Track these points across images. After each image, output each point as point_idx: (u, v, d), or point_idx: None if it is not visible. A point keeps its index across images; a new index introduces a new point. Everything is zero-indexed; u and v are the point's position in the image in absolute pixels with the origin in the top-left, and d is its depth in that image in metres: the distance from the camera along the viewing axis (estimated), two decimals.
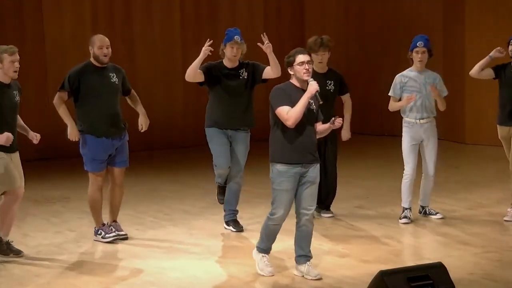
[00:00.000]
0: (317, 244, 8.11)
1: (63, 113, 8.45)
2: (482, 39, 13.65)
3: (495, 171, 11.58)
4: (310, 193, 7.03)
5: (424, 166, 9.15)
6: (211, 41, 8.47)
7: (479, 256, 7.68)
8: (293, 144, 6.94)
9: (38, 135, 8.10)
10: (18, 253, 8.03)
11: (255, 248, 7.32)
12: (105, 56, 8.39)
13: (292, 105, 6.89)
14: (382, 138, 15.60)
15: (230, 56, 8.67)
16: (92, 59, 8.45)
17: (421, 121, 9.03)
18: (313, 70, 8.94)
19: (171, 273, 7.42)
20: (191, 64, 8.62)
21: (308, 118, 6.97)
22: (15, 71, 7.78)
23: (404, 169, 9.08)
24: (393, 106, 9.14)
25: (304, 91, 6.95)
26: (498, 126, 9.13)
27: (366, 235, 8.64)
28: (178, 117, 15.22)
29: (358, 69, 16.18)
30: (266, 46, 8.34)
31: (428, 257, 7.59)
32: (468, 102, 14.45)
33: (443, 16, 14.94)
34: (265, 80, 8.77)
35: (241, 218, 9.02)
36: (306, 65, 6.97)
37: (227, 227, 8.97)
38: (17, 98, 7.93)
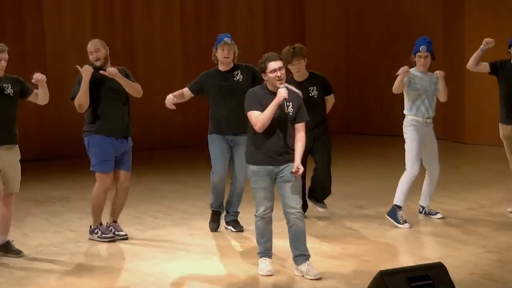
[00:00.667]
0: (317, 244, 8.11)
1: (80, 90, 8.31)
2: (482, 39, 13.59)
3: (495, 171, 11.58)
4: (292, 192, 7.06)
5: (429, 167, 9.14)
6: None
7: (479, 256, 7.68)
8: (264, 147, 7.04)
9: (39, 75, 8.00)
10: (18, 253, 8.03)
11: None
12: (97, 60, 8.42)
13: (262, 109, 6.98)
14: (382, 138, 15.60)
15: (222, 58, 8.70)
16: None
17: (428, 120, 9.02)
18: (293, 79, 8.98)
19: (171, 273, 7.42)
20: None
21: (281, 122, 7.02)
22: (1, 69, 7.77)
23: (408, 168, 8.96)
24: (394, 85, 9.02)
25: (275, 95, 7.00)
26: (499, 124, 9.15)
27: (366, 235, 8.63)
28: (178, 117, 15.22)
29: (358, 69, 16.19)
30: None
31: (428, 257, 7.59)
32: (468, 102, 14.46)
33: (443, 16, 14.94)
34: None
35: (241, 218, 9.02)
36: (278, 72, 7.01)
37: (227, 226, 8.98)
38: (9, 91, 7.85)
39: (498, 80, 9.15)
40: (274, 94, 7.03)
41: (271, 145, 7.04)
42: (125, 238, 8.61)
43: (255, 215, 7.19)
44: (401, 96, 9.16)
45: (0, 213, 7.97)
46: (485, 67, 9.11)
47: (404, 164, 9.01)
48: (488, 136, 13.50)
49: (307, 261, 7.13)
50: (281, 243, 7.47)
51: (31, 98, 8.14)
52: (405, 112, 9.07)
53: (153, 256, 8.02)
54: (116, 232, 8.60)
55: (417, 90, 8.94)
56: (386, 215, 8.95)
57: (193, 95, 8.91)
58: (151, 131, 14.83)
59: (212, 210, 9.00)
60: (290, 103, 7.03)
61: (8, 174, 7.88)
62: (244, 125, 8.61)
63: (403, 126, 9.04)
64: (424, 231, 8.89)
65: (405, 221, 8.89)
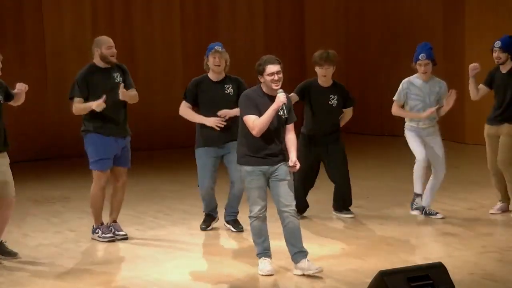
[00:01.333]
0: (317, 244, 8.11)
1: (84, 106, 8.34)
2: (482, 39, 13.64)
3: None
4: (284, 191, 7.09)
5: (435, 169, 9.17)
6: None
7: (479, 256, 7.68)
8: (259, 150, 7.08)
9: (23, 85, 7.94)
10: (13, 255, 7.98)
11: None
12: (113, 55, 8.44)
13: (259, 112, 7.00)
14: (382, 138, 15.59)
15: (213, 66, 8.69)
16: (95, 61, 8.44)
17: (423, 125, 9.05)
18: (317, 84, 9.05)
19: (171, 273, 7.42)
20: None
21: (275, 124, 7.07)
22: None
23: (416, 156, 9.09)
24: (398, 112, 9.16)
25: (271, 97, 7.06)
26: (485, 124, 9.21)
27: (366, 235, 8.64)
28: (178, 117, 15.15)
29: (358, 69, 16.19)
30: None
31: (428, 257, 7.58)
32: (468, 102, 14.37)
33: (443, 16, 14.94)
34: None
35: (240, 218, 9.01)
36: (276, 75, 7.03)
37: (226, 225, 8.98)
38: (0, 97, 7.79)
39: (493, 87, 9.21)
40: (270, 97, 7.06)
41: (266, 147, 7.07)
42: (125, 237, 8.60)
43: (249, 216, 7.21)
44: None
45: None
46: (484, 90, 9.22)
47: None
48: None
49: (306, 257, 7.13)
50: (277, 243, 7.45)
51: (11, 102, 8.06)
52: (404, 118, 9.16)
53: (153, 256, 8.02)
54: (116, 232, 8.60)
55: (414, 102, 8.98)
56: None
57: (191, 106, 8.88)
58: (151, 131, 14.82)
59: (205, 214, 9.06)
60: (283, 105, 7.06)
61: (3, 180, 7.80)
62: (233, 134, 8.66)
63: (404, 128, 9.13)
64: (424, 231, 8.89)
65: (416, 209, 9.11)
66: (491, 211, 9.25)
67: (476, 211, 9.54)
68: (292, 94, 8.67)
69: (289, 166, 7.11)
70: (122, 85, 8.41)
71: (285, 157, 7.15)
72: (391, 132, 14.87)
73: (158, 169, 13.15)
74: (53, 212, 10.17)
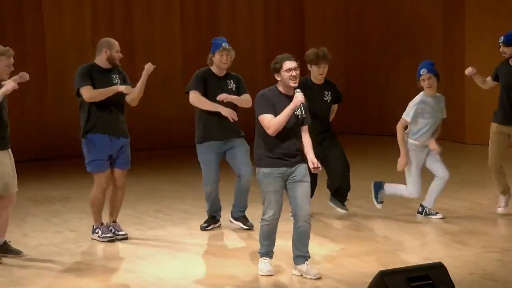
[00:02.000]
0: (317, 244, 8.11)
1: (105, 90, 8.34)
2: (482, 39, 13.66)
3: None
4: (302, 193, 7.05)
5: (435, 172, 9.16)
6: None
7: (479, 256, 7.68)
8: (276, 150, 7.01)
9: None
10: (19, 251, 8.02)
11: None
12: (120, 59, 8.52)
13: (275, 112, 6.96)
14: (382, 138, 15.58)
15: (220, 63, 8.68)
16: (97, 61, 8.45)
17: (426, 142, 9.06)
18: (312, 82, 9.07)
19: (171, 273, 7.42)
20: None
21: (292, 124, 7.03)
22: (7, 74, 7.74)
23: (409, 187, 9.14)
24: (399, 133, 9.07)
25: (288, 97, 7.01)
26: (494, 124, 9.18)
27: (366, 235, 8.64)
28: (178, 117, 15.21)
29: (358, 69, 16.19)
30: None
31: (428, 257, 7.58)
32: (468, 102, 14.46)
33: (443, 16, 14.94)
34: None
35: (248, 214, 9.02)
36: (293, 71, 6.99)
37: (234, 222, 8.94)
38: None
39: (499, 82, 9.20)
40: (287, 97, 7.01)
41: (284, 148, 7.01)
42: (125, 237, 8.60)
43: (262, 218, 7.15)
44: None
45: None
46: (491, 83, 9.22)
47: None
48: (488, 136, 13.49)
49: (307, 261, 7.14)
50: (280, 243, 7.45)
51: None
52: (409, 134, 9.08)
53: (153, 256, 8.02)
54: (116, 232, 8.60)
55: (426, 119, 8.99)
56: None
57: (201, 93, 8.74)
58: (151, 131, 14.83)
59: (209, 215, 9.01)
60: (302, 109, 7.06)
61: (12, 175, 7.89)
62: (236, 130, 8.64)
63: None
64: (424, 231, 8.89)
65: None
66: (499, 210, 9.18)
67: (476, 211, 9.54)
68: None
69: (313, 168, 7.03)
70: (129, 86, 8.43)
71: (302, 158, 7.10)
72: (391, 132, 14.78)
73: (158, 169, 13.15)
74: (53, 212, 10.17)
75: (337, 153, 9.22)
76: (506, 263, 7.45)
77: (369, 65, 16.07)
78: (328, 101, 9.19)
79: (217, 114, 8.66)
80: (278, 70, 7.03)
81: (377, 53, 16.01)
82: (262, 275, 7.18)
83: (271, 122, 6.94)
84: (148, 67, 8.54)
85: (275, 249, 7.35)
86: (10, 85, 7.54)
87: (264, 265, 7.21)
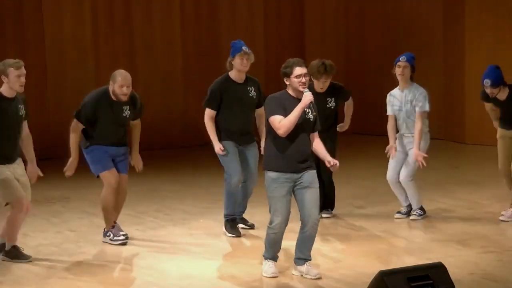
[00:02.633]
0: (318, 244, 8.09)
1: (72, 143, 8.44)
2: (482, 39, 13.65)
3: (495, 171, 11.53)
4: (310, 198, 7.02)
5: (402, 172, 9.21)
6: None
7: (479, 256, 7.68)
8: (286, 153, 6.98)
9: (37, 173, 8.09)
10: (28, 256, 7.99)
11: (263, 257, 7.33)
12: (124, 95, 8.29)
13: (286, 114, 6.94)
14: (382, 138, 15.48)
15: (240, 67, 8.54)
16: (110, 92, 8.35)
17: (405, 135, 9.13)
18: (313, 89, 9.02)
19: (172, 273, 7.42)
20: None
21: (303, 127, 7.01)
22: (21, 85, 7.72)
23: None
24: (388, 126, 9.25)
25: (299, 100, 6.99)
26: (498, 128, 9.17)
27: (366, 235, 8.64)
28: (178, 117, 15.20)
29: (357, 69, 16.17)
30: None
31: (428, 257, 7.58)
32: (468, 102, 14.44)
33: (443, 16, 14.92)
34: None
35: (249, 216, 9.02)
36: (303, 78, 7.01)
37: (236, 225, 8.90)
38: (22, 112, 7.86)
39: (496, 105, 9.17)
40: (297, 99, 7.01)
41: (294, 151, 6.99)
42: (125, 238, 8.58)
43: (269, 226, 7.11)
44: None
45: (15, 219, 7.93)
46: (490, 107, 9.17)
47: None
48: (488, 136, 13.46)
49: (307, 262, 7.14)
50: (282, 243, 7.44)
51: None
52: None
53: (153, 256, 8.02)
54: (127, 235, 8.57)
55: (395, 112, 9.15)
56: None
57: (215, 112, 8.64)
58: (151, 131, 14.79)
59: (228, 220, 8.76)
60: (309, 110, 7.05)
61: (23, 184, 7.90)
62: (252, 137, 8.62)
63: None
64: (424, 231, 8.89)
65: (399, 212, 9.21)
66: (502, 218, 9.09)
67: (476, 211, 9.54)
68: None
69: (330, 166, 7.01)
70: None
71: (311, 164, 7.08)
72: None
73: (158, 169, 13.13)
74: (53, 212, 10.17)
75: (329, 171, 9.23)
76: (506, 263, 7.45)
77: (369, 65, 16.06)
78: (332, 107, 9.16)
79: (240, 120, 8.55)
80: (288, 75, 7.02)
81: (377, 53, 15.99)
82: (266, 276, 7.17)
83: (281, 123, 6.92)
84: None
85: None
86: None
87: (269, 267, 7.20)
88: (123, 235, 8.56)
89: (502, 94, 8.89)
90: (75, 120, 8.41)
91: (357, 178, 11.60)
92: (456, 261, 7.45)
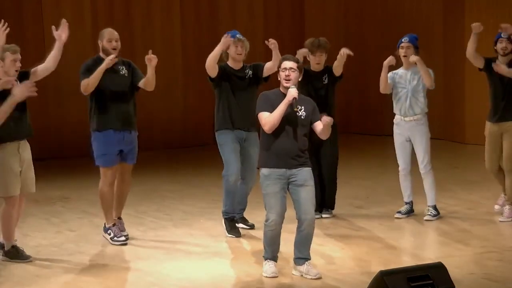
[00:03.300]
0: (318, 244, 8.11)
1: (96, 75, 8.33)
2: (482, 39, 13.60)
3: None
4: (305, 197, 7.02)
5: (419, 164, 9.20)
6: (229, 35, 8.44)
7: (479, 256, 7.69)
8: (276, 149, 7.02)
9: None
10: (28, 257, 7.98)
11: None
12: (114, 49, 8.41)
13: (273, 111, 6.97)
14: (382, 138, 15.58)
15: (235, 54, 8.62)
16: (101, 53, 8.45)
17: (406, 119, 9.10)
18: (310, 69, 9.14)
19: (172, 274, 7.42)
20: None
21: (292, 123, 7.02)
22: (16, 70, 7.77)
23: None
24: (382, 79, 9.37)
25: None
26: (486, 122, 9.19)
27: (366, 235, 8.63)
28: (178, 117, 15.22)
29: (357, 69, 16.16)
30: (271, 43, 8.35)
31: (428, 257, 7.59)
32: (468, 102, 14.45)
33: (443, 16, 14.94)
34: (267, 79, 8.76)
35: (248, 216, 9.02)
36: (287, 71, 7.02)
37: (235, 225, 8.91)
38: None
39: (488, 77, 9.13)
40: (285, 96, 7.03)
41: (282, 147, 7.00)
42: (126, 238, 8.57)
43: (265, 224, 7.12)
44: None
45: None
46: (480, 60, 9.08)
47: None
48: None
49: (307, 262, 7.14)
50: (281, 243, 7.44)
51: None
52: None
53: (153, 256, 8.02)
54: (128, 236, 8.56)
55: (400, 90, 9.15)
56: None
57: (215, 74, 8.59)
58: (151, 131, 14.81)
59: (227, 218, 8.74)
60: (302, 106, 7.05)
61: (25, 173, 7.87)
62: (254, 122, 8.60)
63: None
64: (424, 231, 8.89)
65: (397, 212, 9.24)
66: (501, 219, 9.07)
67: (476, 211, 9.54)
68: None
69: (322, 119, 6.95)
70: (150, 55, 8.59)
71: (305, 162, 7.08)
72: (391, 132, 14.82)
73: (158, 169, 13.15)
74: (53, 212, 10.17)
75: (331, 172, 9.25)
76: (506, 263, 7.45)
77: (369, 65, 16.06)
78: (325, 82, 9.27)
79: (239, 103, 8.56)
80: (277, 69, 7.11)
81: (377, 53, 15.99)
82: (266, 276, 7.17)
83: (266, 119, 6.97)
84: (151, 60, 8.57)
85: None
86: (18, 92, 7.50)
87: (269, 267, 7.20)
88: (124, 235, 8.54)
89: (506, 58, 8.89)
90: (83, 81, 8.35)
91: (357, 178, 11.60)
92: (456, 261, 7.45)
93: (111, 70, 8.36)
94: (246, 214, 9.00)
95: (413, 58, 9.03)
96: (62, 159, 13.71)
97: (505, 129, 8.96)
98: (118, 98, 8.36)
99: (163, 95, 14.96)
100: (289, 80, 7.03)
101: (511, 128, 8.94)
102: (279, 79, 7.12)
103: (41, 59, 14.37)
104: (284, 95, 7.04)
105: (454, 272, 6.41)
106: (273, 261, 7.22)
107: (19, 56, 7.79)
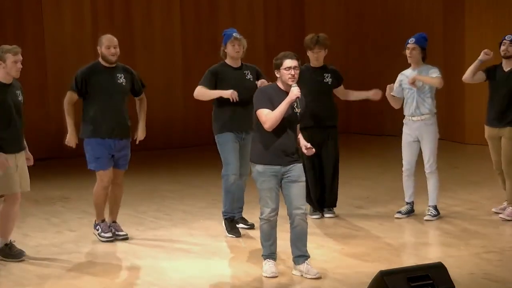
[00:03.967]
0: (317, 244, 8.11)
1: (67, 115, 8.51)
2: (482, 39, 13.64)
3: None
4: (297, 193, 7.05)
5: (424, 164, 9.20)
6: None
7: (479, 256, 7.68)
8: (272, 146, 7.02)
9: (31, 159, 8.07)
10: (20, 254, 7.98)
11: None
12: (113, 55, 8.39)
13: (273, 107, 6.97)
14: (382, 138, 15.60)
15: (233, 53, 8.62)
16: (100, 59, 8.45)
17: (413, 118, 9.09)
18: (310, 66, 9.18)
19: (172, 273, 7.42)
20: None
21: (290, 121, 7.03)
22: (17, 71, 7.78)
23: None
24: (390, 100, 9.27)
25: (287, 94, 7.02)
26: (484, 126, 9.18)
27: (366, 235, 8.63)
28: (178, 117, 15.22)
29: (357, 69, 16.18)
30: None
31: (428, 257, 7.59)
32: (468, 102, 14.46)
33: (443, 16, 14.94)
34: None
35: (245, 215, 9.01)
36: (292, 70, 7.02)
37: (236, 225, 8.91)
38: (20, 97, 7.92)
39: (490, 84, 9.17)
40: (286, 93, 7.03)
41: (281, 145, 7.02)
42: (125, 238, 8.59)
43: (260, 217, 7.16)
44: None
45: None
46: (480, 76, 9.12)
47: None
48: None
49: (306, 261, 7.14)
50: (280, 244, 7.44)
51: None
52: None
53: (153, 256, 8.02)
54: (116, 232, 8.60)
55: (407, 91, 9.13)
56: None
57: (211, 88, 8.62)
58: (151, 131, 14.71)
59: (227, 218, 8.74)
60: (299, 104, 7.06)
61: (21, 173, 7.90)
62: (250, 124, 8.58)
63: None
64: (424, 231, 8.89)
65: (397, 212, 9.24)
66: (502, 215, 9.10)
67: (476, 211, 9.54)
68: None
69: (307, 149, 7.03)
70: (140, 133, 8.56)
71: (298, 158, 7.11)
72: (391, 132, 14.86)
73: (158, 169, 13.15)
74: (53, 212, 10.17)
75: (329, 158, 9.23)
76: (506, 263, 7.45)
77: (369, 65, 16.08)
78: (329, 83, 9.24)
79: (239, 105, 8.53)
80: (278, 67, 7.06)
81: (377, 53, 16.01)
82: (266, 276, 7.17)
83: (267, 116, 6.96)
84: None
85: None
86: None
87: (268, 266, 7.20)
88: (122, 235, 8.57)
89: (510, 62, 8.89)
90: (68, 92, 8.44)
91: (357, 178, 11.60)
92: (456, 261, 7.45)
93: (109, 77, 8.34)
94: (245, 214, 9.00)
95: (411, 79, 8.97)
96: (62, 159, 13.71)
97: (502, 133, 9.00)
98: (112, 106, 8.36)
99: (163, 95, 14.98)
100: (294, 79, 7.03)
101: (506, 133, 8.96)
102: (278, 76, 7.09)
103: (41, 59, 14.44)
104: (283, 91, 7.04)
105: (454, 272, 6.41)
106: (272, 261, 7.22)
107: (20, 57, 7.80)
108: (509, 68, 8.99)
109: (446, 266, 5.81)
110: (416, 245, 8.46)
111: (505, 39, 8.99)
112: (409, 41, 9.15)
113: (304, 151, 7.11)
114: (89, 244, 8.56)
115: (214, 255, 8.07)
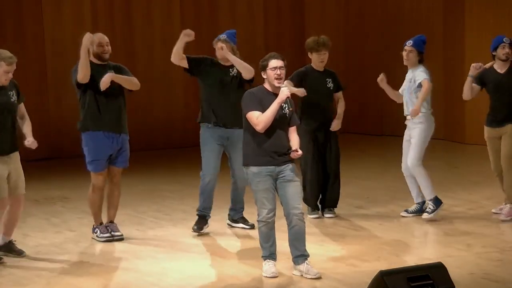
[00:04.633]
0: (317, 243, 8.11)
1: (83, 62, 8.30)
2: (482, 39, 13.63)
3: None
4: (292, 192, 7.06)
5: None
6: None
7: (479, 256, 7.68)
8: (264, 147, 7.04)
9: (35, 143, 7.98)
10: (20, 253, 8.00)
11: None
12: (105, 53, 8.43)
13: (263, 109, 6.98)
14: (382, 138, 15.60)
15: (218, 55, 8.69)
16: (92, 58, 8.45)
17: (407, 118, 9.14)
18: (313, 69, 9.16)
19: (172, 273, 7.42)
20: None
21: (280, 122, 7.05)
22: (6, 80, 7.73)
23: None
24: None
25: (275, 95, 7.02)
26: (484, 126, 9.18)
27: (366, 235, 8.63)
28: (178, 117, 15.21)
29: (357, 69, 16.18)
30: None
31: (428, 257, 7.58)
32: (468, 102, 14.39)
33: (443, 16, 14.94)
34: (251, 81, 8.72)
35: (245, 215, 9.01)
36: (278, 70, 7.03)
37: (235, 225, 8.91)
38: (14, 98, 7.86)
39: (486, 89, 9.16)
40: (274, 94, 7.04)
41: (272, 146, 7.04)
42: (120, 238, 8.58)
43: (258, 220, 7.17)
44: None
45: (7, 214, 7.92)
46: (476, 89, 9.13)
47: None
48: None
49: (306, 261, 7.14)
50: (279, 244, 7.44)
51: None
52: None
53: (153, 256, 8.02)
54: (112, 233, 8.59)
55: (402, 90, 9.24)
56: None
57: (186, 65, 8.69)
58: (151, 130, 14.83)
59: (198, 214, 8.83)
60: (288, 105, 7.07)
61: (16, 178, 7.87)
62: (238, 120, 8.60)
63: None
64: (424, 231, 8.89)
65: (404, 211, 9.26)
66: (501, 217, 9.10)
67: (476, 211, 9.54)
68: (286, 81, 8.51)
69: (292, 151, 7.04)
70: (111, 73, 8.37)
71: (290, 159, 7.13)
72: (391, 132, 14.86)
73: (158, 169, 13.15)
74: (53, 212, 10.17)
75: (335, 170, 9.29)
76: (506, 263, 7.45)
77: (369, 65, 16.07)
78: (331, 88, 9.28)
79: (222, 99, 8.57)
80: (264, 68, 7.10)
81: (377, 53, 16.00)
82: (266, 276, 7.17)
83: (259, 119, 6.97)
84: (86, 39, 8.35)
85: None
86: None
87: (268, 267, 7.20)
88: (118, 235, 8.56)
89: (505, 65, 8.88)
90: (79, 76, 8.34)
91: (357, 178, 11.60)
92: (456, 261, 7.45)
93: (102, 72, 8.35)
94: (245, 214, 9.01)
95: (414, 114, 8.95)
96: (62, 159, 13.71)
97: (503, 132, 8.99)
98: (107, 101, 8.37)
99: (163, 95, 14.97)
100: (281, 79, 7.04)
101: (509, 130, 8.95)
102: (264, 77, 7.11)
103: (41, 59, 14.44)
104: (271, 93, 7.06)
105: (454, 272, 6.41)
106: (272, 261, 7.22)
107: (13, 68, 7.72)
108: (505, 70, 8.98)
109: (446, 266, 5.81)
110: (416, 245, 8.46)
111: (503, 42, 8.96)
112: (407, 43, 9.14)
113: (293, 154, 7.07)
114: (89, 244, 8.56)
115: (214, 255, 8.07)
